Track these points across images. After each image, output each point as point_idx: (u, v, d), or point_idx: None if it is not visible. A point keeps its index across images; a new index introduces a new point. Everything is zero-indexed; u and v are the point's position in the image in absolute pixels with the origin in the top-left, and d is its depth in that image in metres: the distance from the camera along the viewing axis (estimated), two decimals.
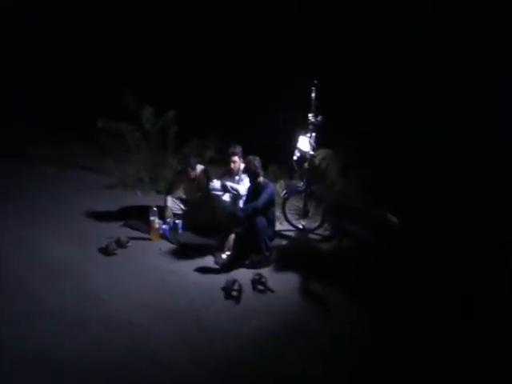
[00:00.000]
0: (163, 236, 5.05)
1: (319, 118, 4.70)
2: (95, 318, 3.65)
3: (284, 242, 5.00)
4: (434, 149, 4.57)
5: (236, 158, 5.05)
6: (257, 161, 4.55)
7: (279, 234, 5.03)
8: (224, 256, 4.62)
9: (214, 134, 6.48)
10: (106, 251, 4.63)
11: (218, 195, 5.09)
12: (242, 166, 5.05)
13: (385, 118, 5.57)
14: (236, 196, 4.96)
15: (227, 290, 3.97)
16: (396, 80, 5.58)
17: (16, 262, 4.40)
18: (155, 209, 5.00)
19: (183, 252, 4.77)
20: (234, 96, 7.22)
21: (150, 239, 5.02)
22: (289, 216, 5.26)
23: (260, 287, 4.07)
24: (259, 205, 4.44)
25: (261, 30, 6.95)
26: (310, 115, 4.75)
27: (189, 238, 5.07)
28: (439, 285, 4.01)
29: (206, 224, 5.15)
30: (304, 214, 5.09)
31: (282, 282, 4.20)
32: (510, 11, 4.83)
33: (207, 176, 5.28)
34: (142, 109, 6.37)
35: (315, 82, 4.67)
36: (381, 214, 3.98)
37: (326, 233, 5.16)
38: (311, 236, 5.17)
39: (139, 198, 6.29)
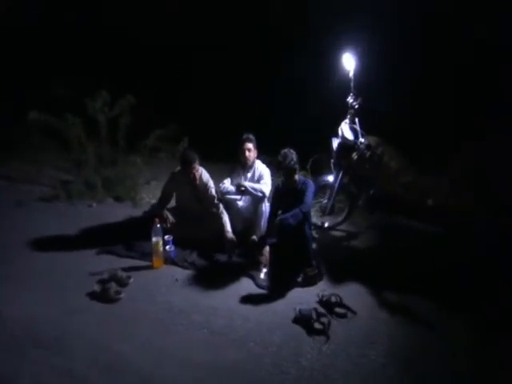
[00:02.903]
0: (168, 260, 3.84)
1: (359, 101, 3.96)
2: None
3: (314, 246, 4.23)
4: None
5: (251, 146, 4.08)
6: (294, 154, 3.66)
7: None
8: (262, 275, 3.70)
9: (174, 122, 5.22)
10: (105, 296, 3.26)
11: (233, 200, 4.07)
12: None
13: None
14: (259, 199, 4.00)
15: (306, 322, 3.07)
16: None
17: None
18: (159, 226, 3.73)
19: (207, 278, 3.67)
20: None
21: (151, 267, 3.77)
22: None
23: (338, 310, 3.27)
24: (308, 207, 3.59)
25: None
26: (349, 98, 3.99)
27: (201, 258, 3.96)
28: None
29: (213, 238, 4.08)
30: (330, 211, 4.38)
31: (352, 299, 3.44)
32: None
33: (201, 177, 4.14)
34: (95, 95, 4.84)
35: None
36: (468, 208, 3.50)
37: (350, 229, 4.57)
38: (336, 234, 4.51)
39: (96, 211, 4.82)
